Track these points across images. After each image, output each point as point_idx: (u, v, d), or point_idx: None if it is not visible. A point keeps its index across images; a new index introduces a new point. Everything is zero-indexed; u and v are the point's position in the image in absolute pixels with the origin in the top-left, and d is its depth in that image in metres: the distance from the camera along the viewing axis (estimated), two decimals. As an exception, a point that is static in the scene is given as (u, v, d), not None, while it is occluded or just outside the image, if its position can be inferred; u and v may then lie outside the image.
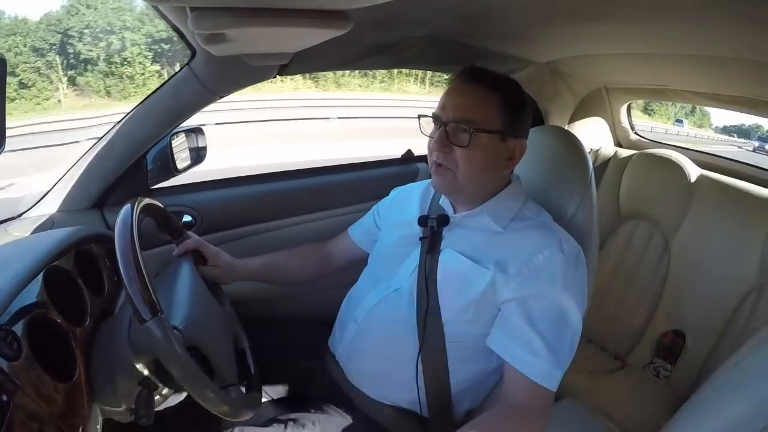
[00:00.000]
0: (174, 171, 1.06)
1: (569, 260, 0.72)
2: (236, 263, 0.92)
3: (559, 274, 0.70)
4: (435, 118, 0.76)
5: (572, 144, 0.88)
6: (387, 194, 1.01)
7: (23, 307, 0.56)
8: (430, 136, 0.77)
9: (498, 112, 0.73)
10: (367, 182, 1.33)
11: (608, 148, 1.63)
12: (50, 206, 0.96)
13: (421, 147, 0.95)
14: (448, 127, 0.73)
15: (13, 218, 0.94)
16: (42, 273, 0.62)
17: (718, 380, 0.61)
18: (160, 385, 0.63)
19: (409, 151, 1.45)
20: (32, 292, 0.59)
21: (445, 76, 1.27)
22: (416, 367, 0.77)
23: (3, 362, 0.49)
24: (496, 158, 0.75)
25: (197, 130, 1.11)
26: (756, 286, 1.16)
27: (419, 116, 0.79)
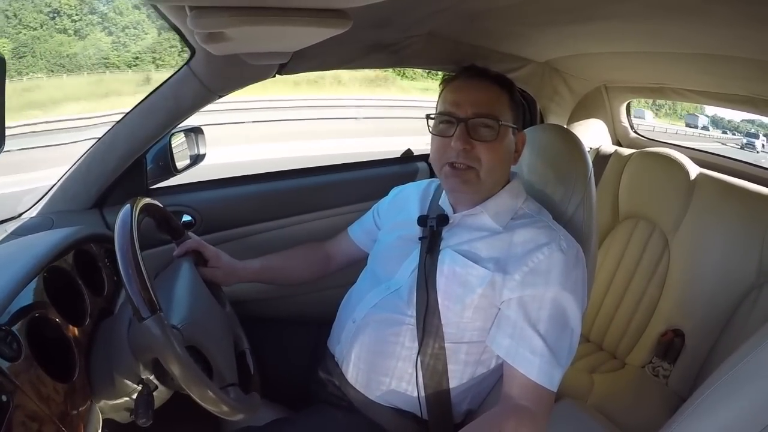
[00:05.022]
0: (173, 171, 1.06)
1: (568, 259, 0.72)
2: (237, 265, 0.92)
3: (559, 273, 0.70)
4: (450, 115, 0.75)
5: (572, 143, 0.88)
6: (387, 194, 1.01)
7: (23, 308, 0.56)
8: (443, 136, 0.75)
9: (509, 107, 0.77)
10: (366, 182, 1.33)
11: (608, 146, 1.62)
12: (50, 206, 0.96)
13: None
14: (468, 124, 0.73)
15: (13, 218, 0.94)
16: (42, 273, 0.62)
17: (717, 380, 0.61)
18: (160, 386, 0.63)
19: (408, 150, 1.45)
20: (32, 293, 0.59)
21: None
22: (415, 367, 0.77)
23: (3, 363, 0.49)
24: (512, 152, 0.79)
25: (197, 130, 1.11)
26: (755, 285, 1.16)
27: (427, 116, 0.79)
